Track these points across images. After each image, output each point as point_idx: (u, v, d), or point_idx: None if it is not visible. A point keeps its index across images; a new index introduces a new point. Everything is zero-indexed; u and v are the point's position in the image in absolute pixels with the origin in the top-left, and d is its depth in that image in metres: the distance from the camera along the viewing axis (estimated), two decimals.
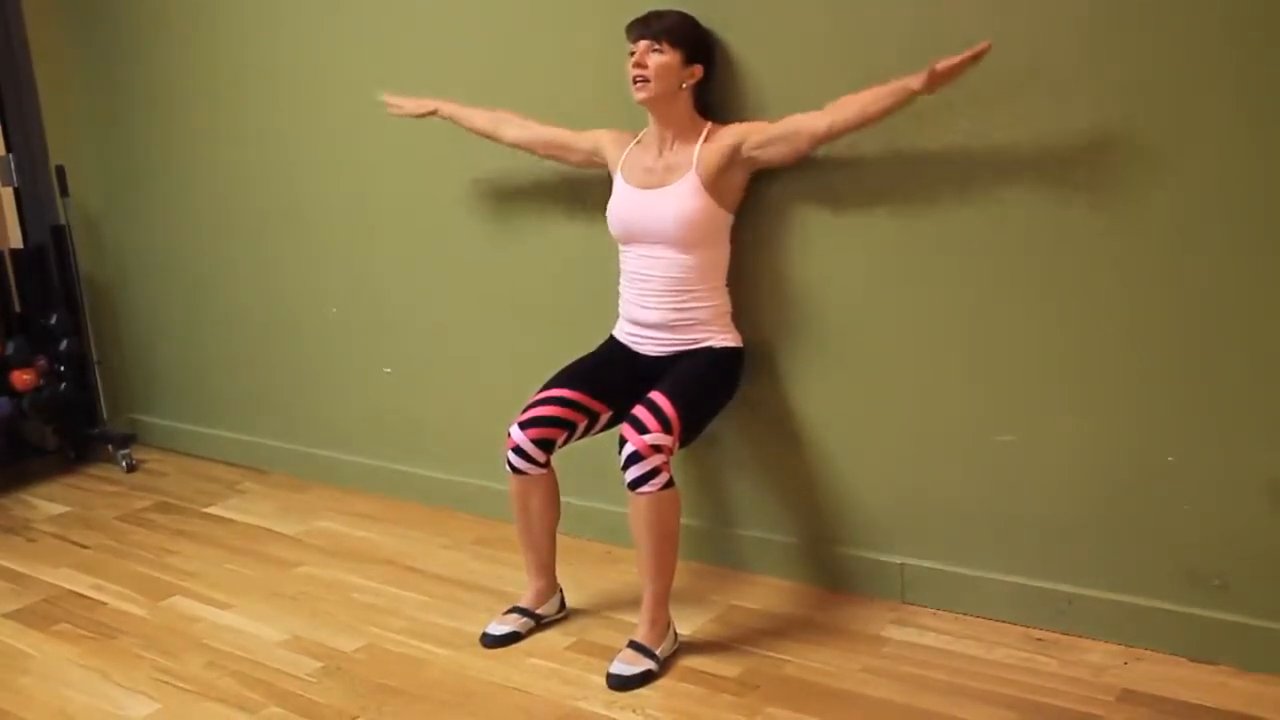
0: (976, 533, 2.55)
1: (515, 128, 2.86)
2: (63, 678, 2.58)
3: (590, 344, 2.73)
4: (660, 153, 2.58)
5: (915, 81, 2.21)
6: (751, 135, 2.49)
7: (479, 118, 2.92)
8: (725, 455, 2.88)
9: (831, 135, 2.40)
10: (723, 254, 2.61)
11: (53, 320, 3.99)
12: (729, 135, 2.52)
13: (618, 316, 2.71)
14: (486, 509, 3.37)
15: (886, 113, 2.30)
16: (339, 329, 3.69)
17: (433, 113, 2.97)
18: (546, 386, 2.59)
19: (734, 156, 2.51)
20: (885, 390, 2.61)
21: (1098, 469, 2.38)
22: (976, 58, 2.16)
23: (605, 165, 2.72)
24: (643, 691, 2.36)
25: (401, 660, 2.57)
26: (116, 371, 4.41)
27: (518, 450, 2.55)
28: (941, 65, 2.17)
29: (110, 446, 4.17)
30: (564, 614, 2.73)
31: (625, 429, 2.38)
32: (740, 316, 2.66)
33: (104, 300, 4.37)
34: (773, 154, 2.49)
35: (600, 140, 2.73)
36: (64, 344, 3.99)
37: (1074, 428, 2.38)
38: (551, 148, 2.82)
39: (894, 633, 2.55)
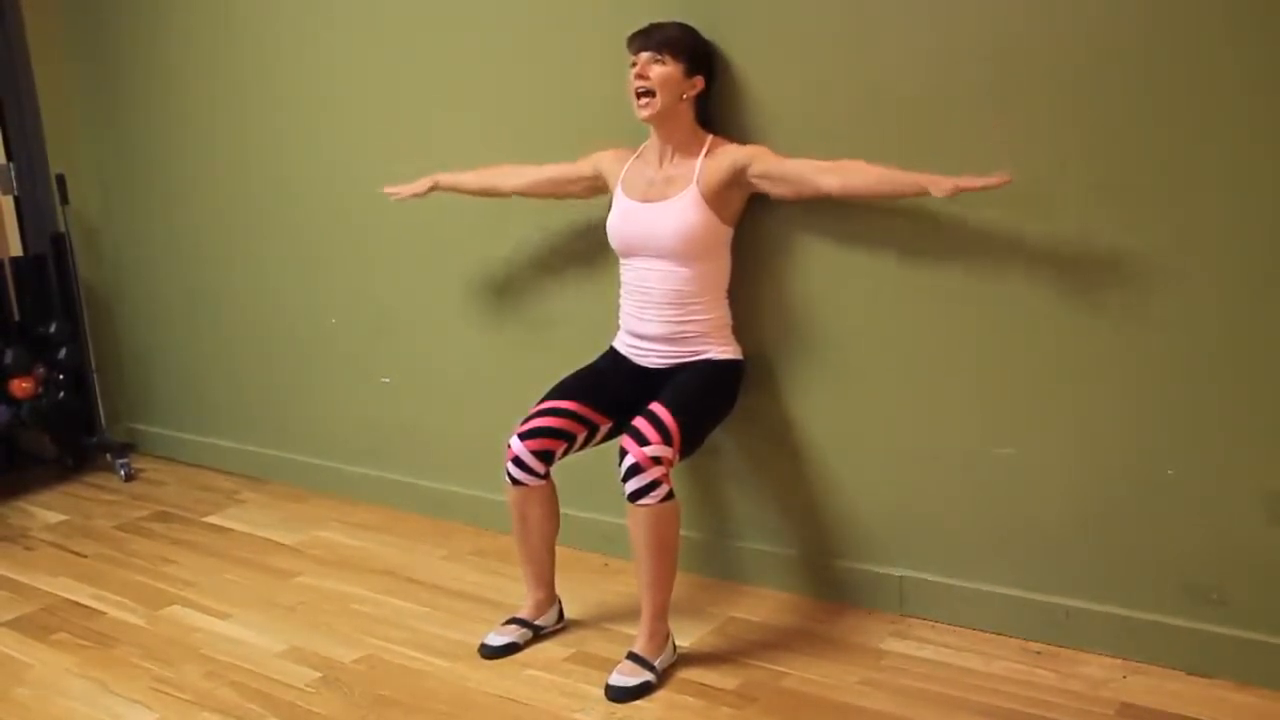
0: (975, 545, 2.55)
1: (512, 178, 2.87)
2: (61, 687, 2.57)
3: (590, 355, 2.73)
4: (660, 165, 2.59)
5: (935, 189, 2.22)
6: (757, 162, 2.48)
7: (474, 179, 2.94)
8: (725, 467, 2.88)
9: (837, 196, 2.43)
10: (723, 266, 2.61)
11: (52, 329, 3.99)
12: (734, 155, 2.51)
13: (618, 328, 2.72)
14: (486, 520, 3.36)
15: (894, 197, 2.34)
16: (338, 339, 3.69)
17: (433, 188, 2.99)
18: (546, 398, 2.59)
19: (737, 177, 2.51)
20: (885, 403, 2.61)
21: (1097, 482, 2.38)
22: (998, 185, 2.18)
23: (608, 188, 2.72)
24: (641, 703, 2.36)
25: (400, 671, 2.56)
26: (115, 380, 4.41)
27: (517, 461, 2.55)
28: (964, 183, 2.20)
29: (109, 455, 4.17)
30: (562, 625, 2.73)
31: (625, 441, 2.38)
32: (741, 329, 2.66)
33: (103, 309, 4.37)
34: (775, 189, 2.49)
35: (600, 161, 2.73)
36: (63, 352, 3.99)
37: (1073, 441, 2.39)
38: (552, 185, 2.82)
39: (893, 645, 2.55)
